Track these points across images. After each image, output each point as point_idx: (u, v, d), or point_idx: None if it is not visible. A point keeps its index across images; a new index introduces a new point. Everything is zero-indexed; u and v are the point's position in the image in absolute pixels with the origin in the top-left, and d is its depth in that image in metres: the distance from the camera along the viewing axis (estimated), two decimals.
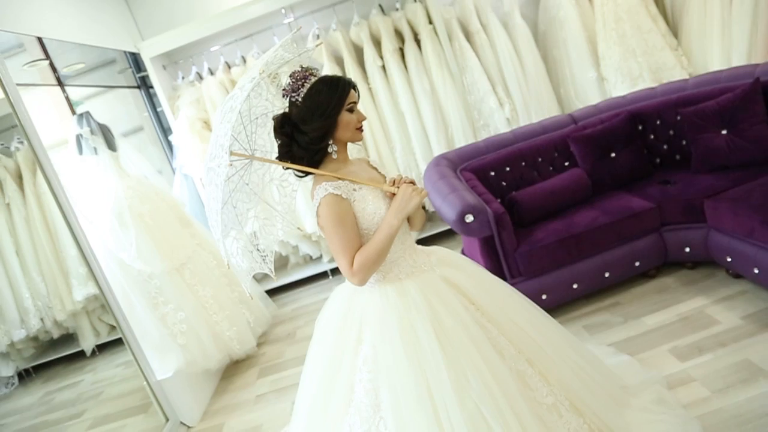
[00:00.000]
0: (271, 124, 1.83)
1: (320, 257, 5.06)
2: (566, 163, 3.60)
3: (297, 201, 4.59)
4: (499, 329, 1.85)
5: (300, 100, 1.71)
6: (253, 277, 1.96)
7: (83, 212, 3.25)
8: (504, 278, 3.05)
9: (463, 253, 3.52)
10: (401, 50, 4.70)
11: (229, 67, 4.76)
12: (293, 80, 1.72)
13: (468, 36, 4.73)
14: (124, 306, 3.25)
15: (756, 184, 2.82)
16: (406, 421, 1.64)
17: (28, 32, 3.37)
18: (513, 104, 4.68)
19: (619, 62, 4.48)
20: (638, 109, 3.57)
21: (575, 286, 3.08)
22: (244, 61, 4.75)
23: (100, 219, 3.40)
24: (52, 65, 3.79)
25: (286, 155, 1.77)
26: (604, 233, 3.04)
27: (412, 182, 1.78)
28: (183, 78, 4.78)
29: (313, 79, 1.73)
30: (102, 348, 3.45)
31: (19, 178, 3.24)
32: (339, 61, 4.73)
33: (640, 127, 3.57)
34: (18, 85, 3.03)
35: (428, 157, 4.59)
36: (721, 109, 3.16)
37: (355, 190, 1.73)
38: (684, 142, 3.46)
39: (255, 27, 4.73)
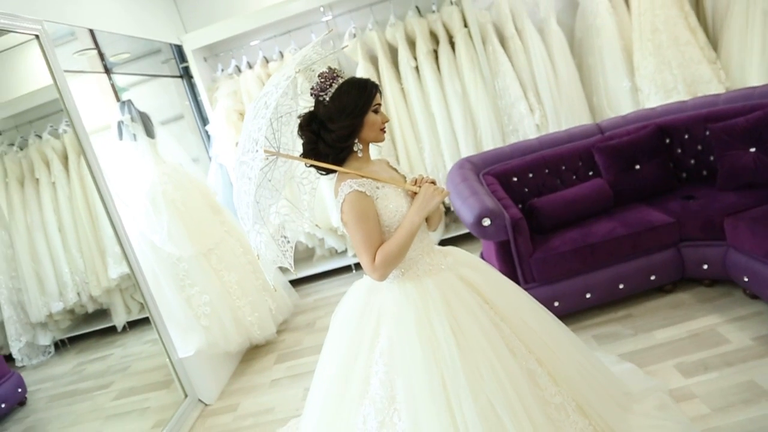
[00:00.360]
0: (294, 123, 1.91)
1: (345, 251, 5.17)
2: (590, 173, 3.61)
3: (324, 197, 4.71)
4: (511, 328, 1.91)
5: (328, 99, 1.78)
6: (279, 267, 2.06)
7: (120, 195, 3.43)
8: (518, 283, 3.08)
9: (482, 256, 3.57)
10: (435, 52, 4.76)
11: (267, 61, 4.89)
12: (322, 80, 1.79)
13: (502, 41, 4.75)
14: (152, 286, 3.43)
15: None
16: (420, 412, 1.69)
17: (81, 25, 3.57)
18: (543, 111, 4.68)
19: (653, 73, 4.44)
20: (667, 122, 3.55)
21: (588, 295, 3.10)
22: (282, 56, 4.88)
23: (135, 202, 3.58)
24: (100, 54, 3.99)
25: (311, 152, 1.83)
26: (620, 245, 3.06)
27: (433, 182, 1.86)
28: (222, 70, 4.95)
29: (341, 81, 1.80)
30: (132, 325, 3.61)
31: (65, 159, 3.42)
32: (373, 61, 4.82)
33: (667, 141, 3.55)
34: (67, 71, 3.23)
35: (456, 159, 4.64)
36: (750, 126, 3.13)
37: (378, 188, 1.80)
38: (711, 158, 3.43)
39: (293, 24, 4.85)
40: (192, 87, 5.09)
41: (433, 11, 4.71)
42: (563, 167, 3.62)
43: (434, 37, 4.77)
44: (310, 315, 4.42)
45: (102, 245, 3.46)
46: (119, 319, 3.58)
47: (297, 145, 1.94)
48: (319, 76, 1.81)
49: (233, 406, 3.36)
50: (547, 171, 3.61)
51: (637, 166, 3.45)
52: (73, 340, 3.37)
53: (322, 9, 4.84)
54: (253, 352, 4.02)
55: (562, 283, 3.11)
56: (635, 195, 3.45)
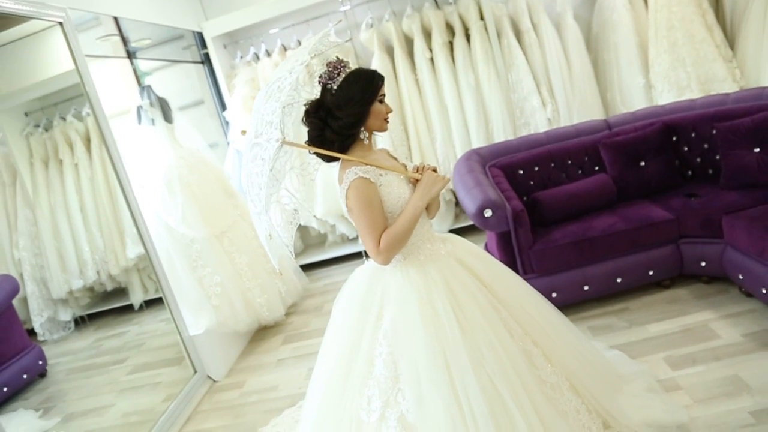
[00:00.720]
0: (295, 114, 2.00)
1: (356, 238, 5.28)
2: (596, 168, 3.65)
3: (336, 185, 4.80)
4: (508, 311, 2.00)
5: (335, 88, 1.84)
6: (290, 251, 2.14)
7: (137, 177, 3.57)
8: (517, 273, 3.16)
9: (486, 248, 3.64)
10: (450, 44, 4.80)
11: (285, 49, 4.99)
12: (330, 69, 1.85)
13: (518, 34, 4.78)
14: (166, 266, 3.57)
15: None
16: (424, 391, 1.76)
17: (105, 12, 3.70)
18: (556, 105, 4.71)
19: (667, 70, 4.43)
20: (674, 120, 3.57)
21: (586, 287, 3.16)
22: (300, 44, 4.97)
23: (152, 185, 3.72)
24: (123, 39, 4.12)
25: (317, 138, 1.90)
26: (619, 239, 3.11)
27: (434, 170, 1.95)
28: (241, 57, 5.06)
29: (347, 70, 1.87)
30: (149, 303, 3.74)
31: (87, 141, 3.54)
32: (389, 51, 4.89)
33: (674, 138, 3.57)
34: (90, 56, 3.36)
35: (467, 150, 4.70)
36: (755, 126, 3.14)
37: (381, 175, 1.87)
38: (717, 157, 3.44)
39: (312, 13, 4.94)
40: (212, 73, 5.21)
41: (450, 3, 4.75)
42: (569, 162, 3.66)
43: (450, 29, 4.82)
44: (318, 299, 4.54)
45: (121, 226, 3.59)
46: (136, 298, 3.72)
47: (296, 137, 1.98)
48: (327, 64, 1.86)
49: (240, 383, 3.50)
50: (552, 165, 3.66)
51: (642, 163, 3.48)
52: (92, 317, 3.50)
53: None
54: (261, 333, 4.17)
55: (561, 274, 3.17)
56: (639, 191, 3.49)
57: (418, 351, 1.79)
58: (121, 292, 3.70)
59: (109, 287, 3.62)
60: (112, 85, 4.02)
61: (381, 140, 4.76)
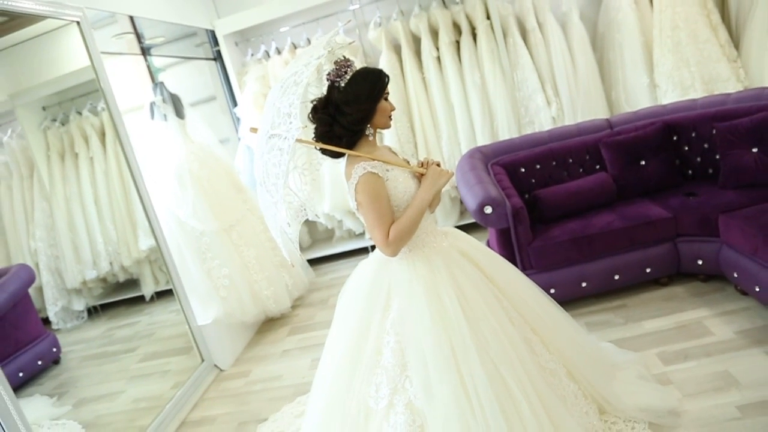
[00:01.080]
0: (299, 113, 2.08)
1: (363, 233, 5.37)
2: (597, 167, 3.70)
3: (344, 181, 4.89)
4: (508, 300, 2.10)
5: (343, 85, 1.92)
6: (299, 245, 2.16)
7: (149, 171, 3.67)
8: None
9: (487, 244, 3.71)
10: (457, 43, 4.87)
11: (295, 47, 5.08)
12: (337, 67, 1.93)
13: (523, 33, 4.84)
14: (176, 257, 3.68)
15: None
16: (431, 378, 1.82)
17: (120, 11, 3.81)
18: (560, 104, 4.77)
19: (671, 70, 4.47)
20: (675, 119, 3.62)
21: (584, 284, 3.23)
22: (309, 42, 5.06)
23: (163, 179, 3.83)
24: (137, 36, 4.23)
25: (326, 134, 1.96)
26: (617, 237, 3.17)
27: (438, 164, 2.03)
28: (252, 55, 5.16)
29: (354, 69, 1.95)
30: (159, 295, 3.84)
31: (102, 136, 3.63)
32: (397, 50, 4.97)
33: (675, 138, 3.62)
34: (105, 53, 3.45)
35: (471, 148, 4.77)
36: (754, 126, 3.18)
37: (388, 170, 1.95)
38: (717, 157, 3.48)
39: (322, 12, 5.03)
40: (224, 70, 5.32)
41: (457, 3, 4.81)
42: (570, 160, 3.72)
43: (457, 29, 4.88)
44: (325, 292, 4.64)
45: (134, 218, 3.68)
46: (148, 289, 3.82)
47: (302, 135, 2.07)
48: (334, 63, 1.94)
49: (245, 372, 3.61)
50: (554, 163, 3.72)
51: (642, 162, 3.53)
52: (105, 307, 3.59)
53: None
54: (268, 325, 4.27)
55: (559, 271, 3.24)
56: (639, 190, 3.54)
57: (425, 339, 1.86)
58: (133, 283, 3.79)
59: (122, 278, 3.71)
60: (126, 81, 4.13)
61: (388, 137, 4.84)
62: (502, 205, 3.14)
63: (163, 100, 3.98)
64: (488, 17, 4.73)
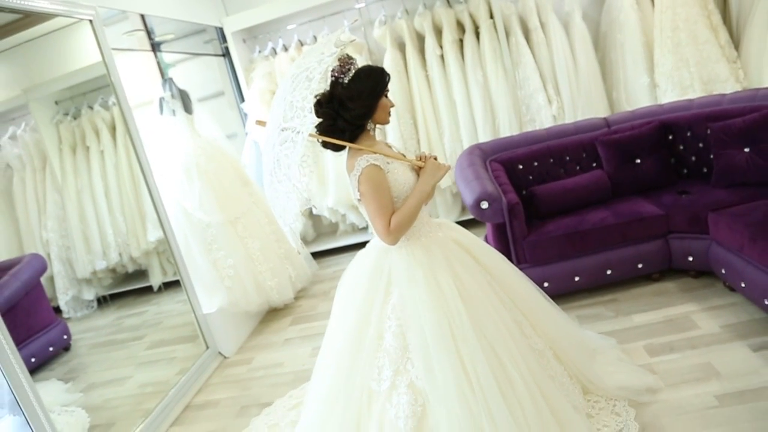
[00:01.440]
0: (310, 107, 2.10)
1: (366, 227, 5.47)
2: (593, 164, 3.78)
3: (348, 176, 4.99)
4: (499, 286, 2.22)
5: (346, 81, 2.01)
6: (302, 239, 2.20)
7: (158, 165, 3.79)
8: (511, 263, 3.32)
9: (485, 239, 3.80)
10: (460, 41, 4.95)
11: (302, 44, 5.19)
12: (341, 64, 2.02)
13: (526, 33, 4.91)
14: (183, 248, 3.80)
15: (762, 203, 2.93)
16: (432, 359, 1.91)
17: (132, 9, 3.93)
18: (561, 103, 4.84)
19: (671, 70, 4.53)
20: (671, 119, 3.69)
21: (577, 278, 3.31)
22: (315, 39, 5.15)
23: (171, 172, 3.95)
24: (147, 33, 4.35)
25: (329, 128, 2.05)
26: (610, 233, 3.25)
27: (435, 158, 2.14)
28: (259, 52, 5.27)
29: (356, 66, 2.04)
30: (167, 285, 3.95)
31: (113, 129, 3.73)
32: (401, 48, 5.06)
33: (670, 137, 3.69)
34: (116, 49, 3.56)
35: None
36: (746, 127, 3.25)
37: (388, 163, 2.04)
38: (711, 156, 3.55)
39: (328, 10, 5.12)
40: (232, 66, 5.43)
41: (461, 2, 4.89)
42: (567, 158, 3.80)
43: (460, 27, 4.96)
44: (327, 284, 4.75)
45: (143, 211, 3.79)
46: (155, 280, 3.93)
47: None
48: (338, 60, 2.03)
49: (248, 360, 3.73)
50: (551, 160, 3.80)
51: (638, 160, 3.61)
52: (114, 297, 3.69)
53: None
54: (271, 314, 4.40)
55: (553, 265, 3.33)
56: (634, 188, 3.62)
57: (425, 323, 1.95)
58: (141, 274, 3.90)
59: (131, 269, 3.82)
60: (136, 76, 4.25)
61: (391, 133, 4.94)
62: (498, 201, 3.23)
63: (172, 96, 4.10)
64: (491, 16, 4.80)
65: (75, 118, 3.59)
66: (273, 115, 1.97)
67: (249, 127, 5.22)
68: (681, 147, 3.69)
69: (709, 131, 3.48)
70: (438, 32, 4.96)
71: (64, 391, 3.04)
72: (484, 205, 3.23)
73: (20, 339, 2.92)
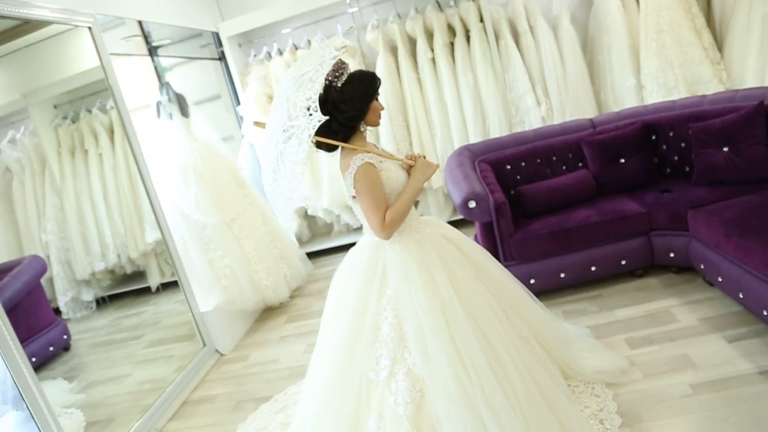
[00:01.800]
0: (315, 107, 2.14)
1: (359, 228, 5.57)
2: (579, 164, 3.89)
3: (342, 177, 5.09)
4: (485, 278, 2.33)
5: (339, 85, 2.11)
6: (297, 239, 2.23)
7: (155, 167, 3.88)
8: (498, 260, 3.42)
9: (475, 238, 3.89)
10: (451, 45, 5.06)
11: (296, 48, 5.28)
12: (334, 69, 2.11)
13: (515, 36, 5.02)
14: (180, 248, 3.90)
15: (740, 200, 3.03)
16: (429, 347, 2.01)
17: (129, 16, 4.03)
18: (550, 104, 4.95)
19: (656, 72, 4.64)
20: (654, 119, 3.79)
21: (562, 275, 3.42)
22: (309, 44, 5.26)
23: (168, 174, 4.05)
24: (145, 38, 4.44)
25: (323, 129, 2.10)
26: (593, 231, 3.35)
27: (424, 157, 2.26)
28: (255, 56, 5.37)
29: (348, 71, 2.14)
30: (165, 286, 4.02)
31: (111, 133, 3.78)
32: (393, 51, 5.16)
33: (653, 137, 3.80)
34: (114, 54, 3.64)
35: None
36: (725, 127, 3.35)
37: (381, 161, 2.15)
38: (693, 155, 3.65)
39: (322, 14, 5.23)
40: (228, 70, 5.53)
41: (451, 6, 5.00)
42: (554, 158, 3.91)
43: (451, 31, 5.06)
44: (322, 283, 4.85)
45: (140, 212, 3.85)
46: (153, 281, 3.99)
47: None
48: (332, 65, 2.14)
49: (245, 357, 3.83)
50: (538, 161, 3.91)
51: (622, 160, 3.71)
52: (113, 298, 3.73)
53: (348, 1, 5.18)
54: (267, 313, 4.50)
55: (539, 262, 3.43)
56: (618, 186, 3.72)
57: (421, 312, 2.05)
58: (139, 274, 3.95)
59: (129, 270, 3.87)
60: (134, 80, 4.33)
61: (384, 135, 5.05)
62: (485, 200, 3.34)
63: (169, 100, 4.19)
64: (481, 20, 4.90)
65: (74, 122, 3.64)
66: (275, 116, 2.06)
67: (245, 129, 5.31)
68: (664, 147, 3.80)
69: (690, 131, 3.59)
70: (429, 36, 5.07)
71: (67, 391, 3.10)
72: (472, 204, 3.33)
73: (21, 339, 2.94)
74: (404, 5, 5.12)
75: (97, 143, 3.74)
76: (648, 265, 3.46)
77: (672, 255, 3.32)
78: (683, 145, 3.72)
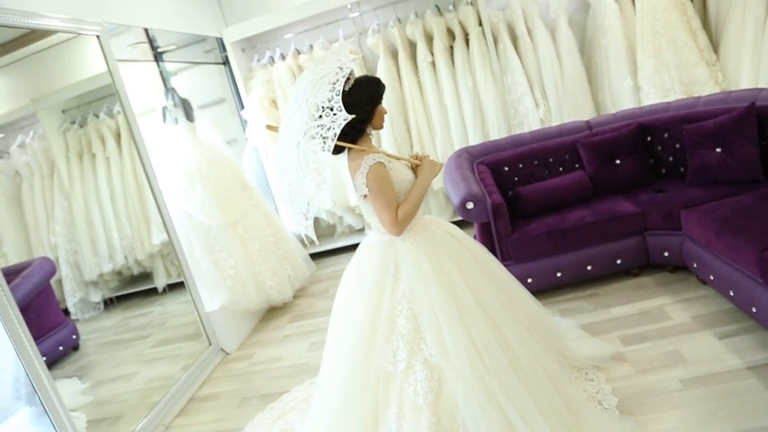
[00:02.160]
0: (339, 106, 2.21)
1: (362, 229, 5.66)
2: (576, 165, 3.96)
3: (344, 180, 5.18)
4: (488, 271, 2.45)
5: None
6: (300, 240, 2.22)
7: (161, 170, 3.97)
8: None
9: (474, 239, 3.97)
10: (451, 48, 5.14)
11: (299, 53, 5.37)
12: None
13: (514, 39, 5.09)
14: (186, 249, 3.99)
15: (731, 200, 3.10)
16: (444, 336, 2.10)
17: (136, 24, 4.13)
18: (548, 106, 5.02)
19: (652, 74, 4.71)
20: (649, 121, 3.86)
21: (559, 274, 3.49)
22: (311, 48, 5.35)
23: (174, 177, 4.14)
24: (151, 44, 4.54)
25: None
26: (589, 231, 3.43)
27: (428, 157, 2.37)
28: (258, 60, 5.47)
29: (354, 76, 2.22)
30: (171, 287, 4.10)
31: (118, 137, 3.86)
32: (394, 55, 5.25)
33: (648, 139, 3.87)
34: (120, 60, 3.73)
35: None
36: (718, 128, 3.42)
37: (390, 161, 2.26)
38: (687, 156, 3.72)
39: (324, 20, 5.32)
40: (232, 74, 5.62)
41: (451, 10, 5.08)
42: (551, 159, 3.98)
43: (450, 34, 5.15)
44: (325, 284, 4.94)
45: (147, 215, 3.93)
46: (160, 282, 4.07)
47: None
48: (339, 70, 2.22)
49: (249, 355, 3.92)
50: (536, 162, 3.98)
51: (617, 161, 3.78)
52: (120, 299, 3.81)
53: (349, 6, 5.28)
54: (271, 313, 4.59)
55: (536, 262, 3.51)
56: (614, 187, 3.79)
57: (435, 303, 2.14)
58: (146, 276, 4.03)
59: (136, 271, 3.95)
60: (140, 85, 4.42)
61: (385, 138, 5.13)
62: (482, 201, 3.42)
63: (175, 105, 4.29)
64: (480, 24, 4.98)
65: (81, 126, 3.71)
66: (296, 117, 2.13)
67: (249, 132, 5.41)
68: (659, 148, 3.87)
69: (684, 132, 3.65)
70: (429, 40, 5.15)
71: (78, 392, 3.18)
72: (470, 205, 3.41)
73: (32, 338, 3.09)
74: (404, 10, 5.21)
75: (104, 147, 3.81)
76: (643, 264, 3.53)
77: (666, 254, 3.39)
78: (678, 146, 3.78)
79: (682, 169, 3.80)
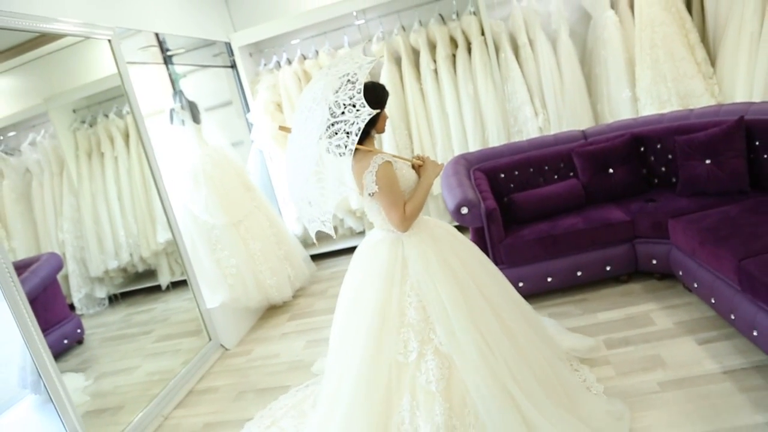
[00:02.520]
0: (362, 103, 2.30)
1: (362, 231, 5.77)
2: (570, 174, 4.05)
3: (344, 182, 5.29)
4: (485, 268, 2.58)
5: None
6: (301, 242, 2.31)
7: (167, 171, 4.09)
8: None
9: None
10: (453, 56, 5.25)
11: (304, 58, 5.50)
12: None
13: (515, 49, 5.19)
14: (189, 248, 4.11)
15: (717, 210, 3.18)
16: (453, 325, 2.21)
17: (147, 29, 4.26)
18: (547, 115, 5.12)
19: (649, 85, 4.79)
20: (643, 132, 3.95)
21: (549, 279, 3.59)
22: (317, 54, 5.47)
23: (180, 178, 4.27)
24: (160, 47, 4.67)
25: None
26: (579, 237, 3.52)
27: (429, 157, 2.51)
28: (264, 65, 5.60)
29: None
30: (175, 285, 4.20)
31: (126, 137, 3.96)
32: (397, 62, 5.36)
33: (642, 149, 3.95)
34: (130, 63, 3.86)
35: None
36: (708, 141, 3.51)
37: (395, 161, 2.37)
38: (678, 167, 3.80)
39: (330, 26, 5.45)
40: (239, 78, 5.75)
41: (454, 19, 5.19)
42: (546, 167, 4.08)
43: (453, 43, 5.26)
44: (324, 284, 5.05)
45: (153, 213, 4.04)
46: (164, 279, 4.18)
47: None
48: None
49: (248, 351, 4.04)
50: (531, 170, 4.08)
51: (610, 170, 3.87)
52: (125, 295, 3.89)
53: (355, 14, 5.40)
54: (271, 311, 4.70)
55: (527, 266, 3.60)
56: (607, 196, 3.88)
57: (442, 295, 2.25)
58: (150, 273, 4.13)
59: (141, 269, 4.05)
60: (149, 87, 4.55)
61: (387, 143, 5.24)
62: (477, 207, 3.52)
63: (182, 107, 4.42)
64: (483, 33, 5.09)
65: (91, 126, 3.81)
66: (315, 115, 2.19)
67: (254, 135, 5.53)
68: (652, 158, 3.95)
69: (676, 144, 3.74)
70: (432, 48, 5.26)
71: (80, 390, 3.22)
72: (464, 210, 3.51)
73: None
74: (408, 18, 5.32)
75: (113, 147, 3.91)
76: (632, 272, 3.62)
77: (654, 262, 3.48)
78: (670, 156, 3.87)
79: (673, 180, 3.88)
